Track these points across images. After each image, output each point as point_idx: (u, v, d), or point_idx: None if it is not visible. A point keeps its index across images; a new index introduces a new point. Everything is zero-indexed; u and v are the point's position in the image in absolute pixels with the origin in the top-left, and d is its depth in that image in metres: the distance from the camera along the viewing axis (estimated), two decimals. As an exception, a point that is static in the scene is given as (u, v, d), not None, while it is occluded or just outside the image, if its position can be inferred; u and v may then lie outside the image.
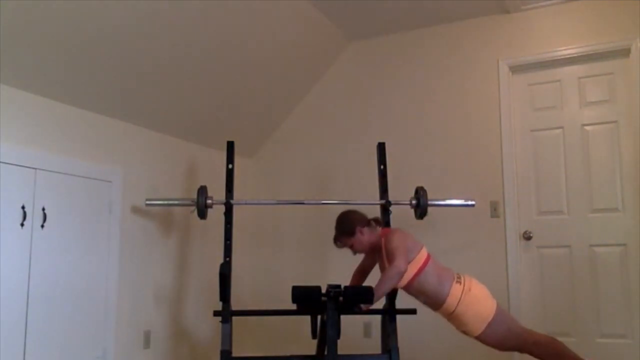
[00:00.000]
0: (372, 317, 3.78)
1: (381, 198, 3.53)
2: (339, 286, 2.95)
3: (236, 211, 3.63)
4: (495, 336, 2.74)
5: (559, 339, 3.64)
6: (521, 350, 2.80)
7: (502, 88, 3.94)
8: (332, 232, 4.34)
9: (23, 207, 2.81)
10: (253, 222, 4.60)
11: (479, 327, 2.72)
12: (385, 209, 3.52)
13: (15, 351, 2.74)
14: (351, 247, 2.98)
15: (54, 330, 2.95)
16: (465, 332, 2.83)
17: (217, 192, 3.51)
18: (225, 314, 3.16)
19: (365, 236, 2.98)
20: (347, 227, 2.99)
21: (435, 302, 2.81)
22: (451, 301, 2.76)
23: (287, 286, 3.17)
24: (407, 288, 2.85)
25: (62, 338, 2.99)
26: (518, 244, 3.82)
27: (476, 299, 2.74)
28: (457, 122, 4.08)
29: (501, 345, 2.78)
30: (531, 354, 2.78)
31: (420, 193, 3.47)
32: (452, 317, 2.80)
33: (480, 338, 2.77)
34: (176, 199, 3.66)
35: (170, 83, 3.53)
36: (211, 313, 3.30)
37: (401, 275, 2.72)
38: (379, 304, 3.23)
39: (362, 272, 3.18)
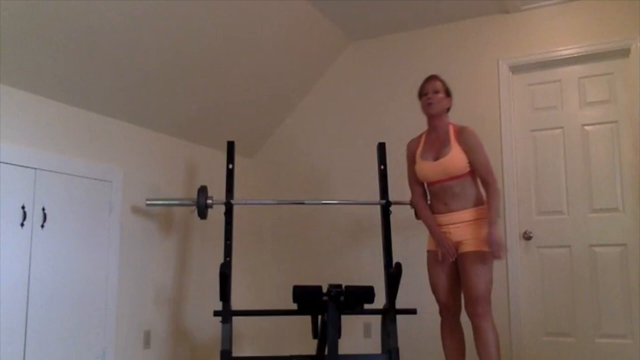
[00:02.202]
0: (372, 317, 3.78)
1: (381, 198, 3.54)
2: (340, 286, 2.96)
3: (236, 211, 3.63)
4: (481, 272, 2.75)
5: (559, 339, 3.70)
6: (475, 317, 2.76)
7: (502, 88, 3.94)
8: (331, 232, 4.38)
9: (23, 207, 2.81)
10: (253, 222, 4.60)
11: (482, 245, 2.74)
12: (385, 209, 3.53)
13: (15, 351, 2.74)
14: (436, 94, 2.89)
15: (54, 330, 2.95)
16: (463, 245, 2.80)
17: (217, 192, 3.51)
18: (225, 314, 3.16)
19: (448, 106, 2.96)
20: (449, 89, 2.97)
21: (472, 201, 2.84)
22: (483, 211, 2.81)
23: (287, 286, 3.17)
24: (457, 179, 2.83)
25: (62, 338, 2.99)
26: (518, 244, 3.83)
27: None
28: (457, 122, 4.06)
29: (475, 288, 2.75)
30: (478, 328, 2.74)
31: (420, 193, 3.48)
32: (472, 222, 2.81)
33: (471, 258, 2.76)
34: (176, 199, 3.67)
35: (170, 83, 3.53)
36: (211, 313, 3.30)
37: None
38: (379, 304, 3.24)
39: (425, 197, 3.07)
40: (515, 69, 3.96)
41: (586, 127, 3.77)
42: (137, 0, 2.91)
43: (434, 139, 2.94)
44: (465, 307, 2.82)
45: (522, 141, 3.92)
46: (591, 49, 3.72)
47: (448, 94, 2.95)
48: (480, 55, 4.05)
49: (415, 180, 3.04)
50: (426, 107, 2.92)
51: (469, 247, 2.79)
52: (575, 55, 3.77)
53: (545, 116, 3.88)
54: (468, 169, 2.83)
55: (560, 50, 3.81)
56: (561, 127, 3.83)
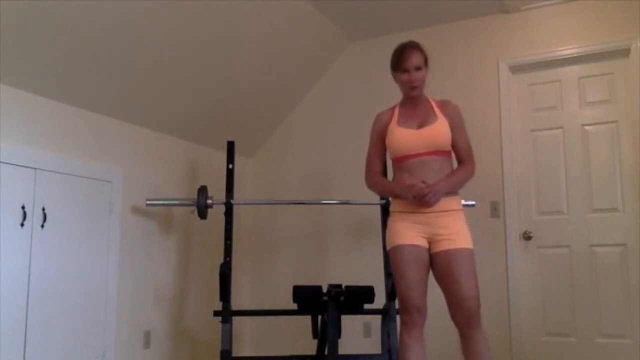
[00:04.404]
0: (372, 317, 3.78)
1: (381, 198, 3.54)
2: (340, 286, 2.96)
3: (236, 211, 3.63)
4: (473, 276, 2.33)
5: (559, 339, 3.70)
6: (467, 328, 2.31)
7: (502, 88, 3.94)
8: (331, 232, 4.37)
9: (23, 207, 2.81)
10: (253, 222, 4.60)
11: (469, 240, 2.38)
12: (385, 209, 3.53)
13: (15, 351, 2.74)
14: (418, 70, 2.49)
15: (54, 330, 2.95)
16: (448, 241, 2.37)
17: (217, 192, 3.52)
18: (225, 314, 3.16)
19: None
20: (428, 57, 2.57)
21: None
22: (460, 202, 2.48)
23: (287, 286, 3.17)
24: (439, 154, 2.44)
25: (62, 338, 2.99)
26: (518, 244, 3.82)
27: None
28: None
29: (469, 296, 2.30)
30: (471, 339, 2.32)
31: (420, 193, 3.46)
32: (456, 213, 2.44)
33: (462, 257, 2.33)
34: (176, 199, 3.67)
35: (170, 83, 3.53)
36: (211, 313, 3.31)
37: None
38: (379, 304, 3.24)
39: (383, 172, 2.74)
40: (515, 69, 3.96)
41: (586, 127, 3.77)
42: (138, 1, 2.91)
43: (413, 111, 2.54)
44: (455, 317, 2.34)
45: (522, 141, 3.92)
46: (591, 49, 3.72)
47: (426, 63, 2.55)
48: (480, 55, 4.05)
49: (378, 155, 2.63)
50: (409, 90, 2.51)
51: (456, 243, 2.35)
52: (575, 55, 3.77)
53: (545, 116, 3.88)
54: (449, 148, 2.50)
55: (560, 50, 3.81)
56: (561, 127, 3.83)
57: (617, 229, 3.60)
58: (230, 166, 3.50)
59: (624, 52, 3.65)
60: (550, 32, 3.86)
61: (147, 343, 3.58)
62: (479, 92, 4.02)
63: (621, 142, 3.65)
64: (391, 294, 3.23)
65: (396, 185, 2.47)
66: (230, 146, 3.56)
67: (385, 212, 3.53)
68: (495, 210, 3.86)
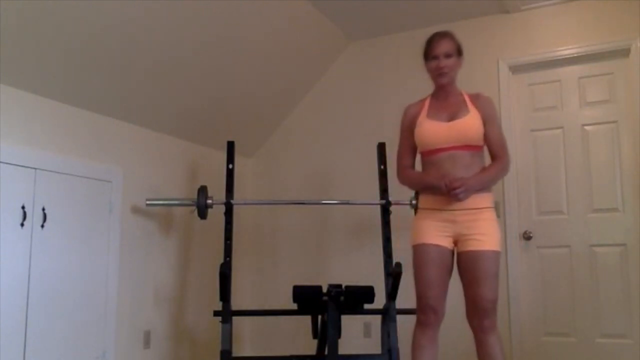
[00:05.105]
0: (372, 317, 3.78)
1: (381, 198, 3.54)
2: (340, 286, 2.96)
3: (236, 211, 3.63)
4: (495, 279, 2.31)
5: (559, 339, 3.71)
6: (482, 330, 2.31)
7: (502, 88, 3.94)
8: (331, 232, 4.38)
9: (23, 207, 2.81)
10: (253, 222, 4.60)
11: (496, 242, 2.36)
12: (385, 209, 3.53)
13: (15, 351, 2.74)
14: (448, 58, 2.44)
15: (54, 330, 2.95)
16: (475, 241, 2.35)
17: (217, 192, 3.51)
18: (225, 314, 3.16)
19: (460, 67, 2.52)
20: (461, 46, 2.52)
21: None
22: (492, 199, 2.43)
23: (287, 286, 3.17)
24: (470, 149, 2.38)
25: (62, 338, 2.99)
26: (518, 244, 3.83)
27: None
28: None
29: (487, 299, 2.29)
30: (485, 342, 2.31)
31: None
32: (486, 211, 2.41)
33: (487, 259, 2.31)
34: (176, 199, 3.67)
35: (170, 83, 3.53)
36: (211, 313, 3.30)
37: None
38: (379, 304, 3.24)
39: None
40: (515, 69, 3.96)
41: (586, 127, 3.77)
42: (138, 0, 2.91)
43: (444, 103, 2.48)
44: (471, 318, 2.34)
45: (522, 141, 3.92)
46: (591, 49, 3.72)
47: (460, 52, 2.50)
48: (480, 55, 4.04)
49: (409, 150, 2.55)
50: (437, 77, 2.46)
51: (483, 244, 2.32)
52: (575, 55, 3.77)
53: (545, 116, 3.88)
54: (482, 143, 2.42)
55: (560, 50, 3.81)
56: (561, 127, 3.83)
57: (617, 229, 3.60)
58: (230, 166, 3.50)
59: (624, 52, 3.65)
60: (550, 32, 3.86)
61: (147, 343, 3.58)
62: (479, 92, 4.00)
63: (621, 142, 3.65)
64: (391, 294, 3.23)
65: (428, 176, 2.42)
66: (230, 146, 3.56)
67: (385, 212, 3.53)
68: (495, 210, 3.85)
